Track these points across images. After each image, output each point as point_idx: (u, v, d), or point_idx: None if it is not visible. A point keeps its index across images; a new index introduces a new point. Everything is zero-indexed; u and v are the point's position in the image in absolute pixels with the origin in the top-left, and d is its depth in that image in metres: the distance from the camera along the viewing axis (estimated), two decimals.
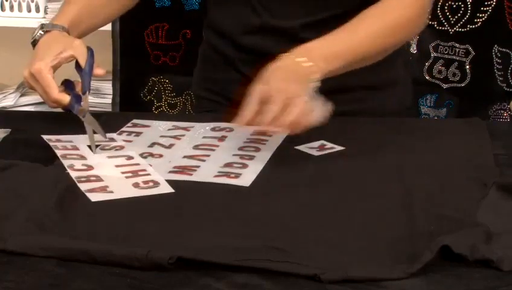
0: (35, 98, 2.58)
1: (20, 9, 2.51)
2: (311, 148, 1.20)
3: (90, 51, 1.27)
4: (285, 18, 1.37)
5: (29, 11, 2.51)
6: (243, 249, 0.86)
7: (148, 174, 1.10)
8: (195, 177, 1.10)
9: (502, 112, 2.18)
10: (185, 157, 1.17)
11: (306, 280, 0.81)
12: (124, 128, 1.31)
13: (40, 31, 1.30)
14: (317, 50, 1.23)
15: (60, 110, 1.28)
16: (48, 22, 1.33)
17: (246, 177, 1.09)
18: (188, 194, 1.04)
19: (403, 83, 1.50)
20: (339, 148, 1.21)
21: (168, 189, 1.05)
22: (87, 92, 1.24)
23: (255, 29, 1.40)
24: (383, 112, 1.43)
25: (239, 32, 1.42)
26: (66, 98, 1.22)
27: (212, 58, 1.52)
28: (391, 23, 1.31)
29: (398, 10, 1.31)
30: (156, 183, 1.07)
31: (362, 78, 1.40)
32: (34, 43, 1.30)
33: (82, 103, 1.22)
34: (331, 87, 1.28)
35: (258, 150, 1.20)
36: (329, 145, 1.21)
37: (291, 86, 1.14)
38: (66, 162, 1.13)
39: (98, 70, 1.27)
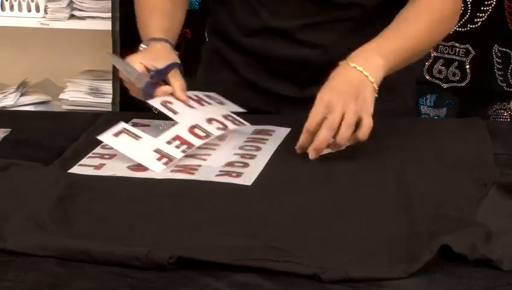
0: (35, 98, 2.59)
1: (20, 9, 2.51)
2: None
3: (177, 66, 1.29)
4: (286, 19, 1.36)
5: (29, 10, 2.51)
6: (243, 249, 0.86)
7: None
8: (197, 176, 1.10)
9: (502, 111, 2.18)
10: (186, 156, 1.18)
11: (306, 280, 0.81)
12: None
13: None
14: (374, 50, 1.22)
15: (59, 109, 1.29)
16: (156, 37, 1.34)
17: (248, 176, 1.09)
18: (188, 193, 1.04)
19: (405, 85, 1.50)
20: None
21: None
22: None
23: (255, 30, 1.39)
24: (386, 114, 1.43)
25: (240, 34, 1.41)
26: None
27: (214, 61, 1.52)
28: (436, 17, 1.32)
29: (440, 4, 1.32)
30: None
31: None
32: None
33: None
34: None
35: (258, 149, 1.20)
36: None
37: (352, 102, 1.15)
38: None
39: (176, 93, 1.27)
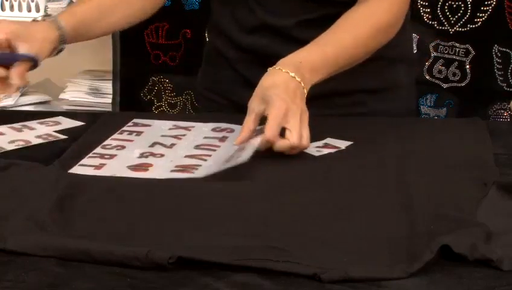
0: (35, 97, 2.59)
1: (20, 9, 2.51)
2: (311, 147, 1.20)
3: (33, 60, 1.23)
4: (282, 16, 1.37)
5: (29, 10, 2.51)
6: (243, 249, 0.86)
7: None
8: (198, 175, 1.10)
9: (502, 111, 2.18)
10: (186, 156, 1.18)
11: (306, 280, 0.81)
12: (124, 128, 1.32)
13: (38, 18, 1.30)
14: (306, 62, 1.23)
15: (59, 109, 1.29)
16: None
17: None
18: (188, 193, 1.04)
19: (405, 87, 1.50)
20: (340, 146, 1.20)
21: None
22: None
23: (252, 28, 1.40)
24: (384, 116, 1.43)
25: (237, 31, 1.42)
26: None
27: (214, 59, 1.52)
28: (372, 28, 1.32)
29: (378, 15, 1.32)
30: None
31: (361, 82, 1.40)
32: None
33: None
34: (330, 90, 1.28)
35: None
36: (329, 144, 1.21)
37: (292, 105, 1.16)
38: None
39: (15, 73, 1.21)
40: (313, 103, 1.20)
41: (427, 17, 2.09)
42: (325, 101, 1.36)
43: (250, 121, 1.19)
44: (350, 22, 1.31)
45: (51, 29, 1.29)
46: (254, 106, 1.19)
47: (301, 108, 1.17)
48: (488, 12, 2.10)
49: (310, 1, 1.35)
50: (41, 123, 1.33)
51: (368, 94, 1.44)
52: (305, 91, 1.21)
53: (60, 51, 1.32)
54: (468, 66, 2.16)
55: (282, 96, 1.17)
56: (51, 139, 1.27)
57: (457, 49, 2.16)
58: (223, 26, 1.45)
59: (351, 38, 1.30)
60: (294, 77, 1.20)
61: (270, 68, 1.23)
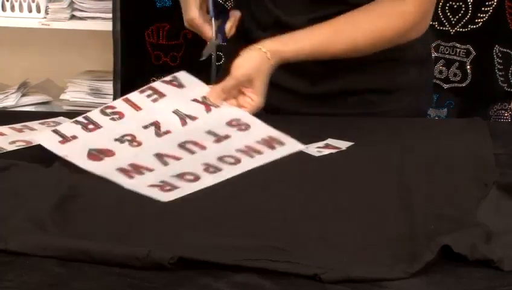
0: (36, 98, 2.59)
1: (20, 9, 2.52)
2: (312, 148, 1.20)
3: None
4: (294, 14, 1.37)
5: (29, 11, 2.51)
6: (243, 249, 0.86)
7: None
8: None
9: (502, 112, 2.18)
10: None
11: (306, 280, 0.81)
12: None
13: None
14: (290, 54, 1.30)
15: (60, 110, 1.30)
16: None
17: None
18: (188, 194, 1.04)
19: (416, 88, 1.49)
20: (341, 146, 1.20)
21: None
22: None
23: (267, 26, 1.41)
24: (395, 116, 1.42)
25: (255, 29, 1.43)
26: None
27: (233, 57, 1.53)
28: (374, 33, 1.33)
29: (387, 19, 1.33)
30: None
31: (371, 81, 1.40)
32: None
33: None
34: (340, 89, 1.28)
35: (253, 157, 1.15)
36: (330, 145, 1.21)
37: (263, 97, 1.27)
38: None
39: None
40: (324, 101, 1.20)
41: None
42: (337, 100, 1.37)
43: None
44: (354, 22, 1.32)
45: None
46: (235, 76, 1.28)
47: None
48: (489, 13, 2.10)
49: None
50: (42, 124, 1.33)
51: (379, 94, 1.44)
52: (272, 62, 1.29)
53: None
54: (468, 67, 2.16)
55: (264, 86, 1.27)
56: None
57: (458, 50, 2.16)
58: (244, 25, 1.47)
59: (348, 38, 1.32)
60: (260, 49, 1.28)
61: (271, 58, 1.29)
